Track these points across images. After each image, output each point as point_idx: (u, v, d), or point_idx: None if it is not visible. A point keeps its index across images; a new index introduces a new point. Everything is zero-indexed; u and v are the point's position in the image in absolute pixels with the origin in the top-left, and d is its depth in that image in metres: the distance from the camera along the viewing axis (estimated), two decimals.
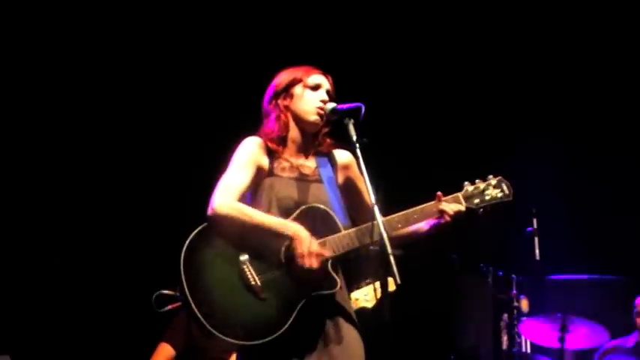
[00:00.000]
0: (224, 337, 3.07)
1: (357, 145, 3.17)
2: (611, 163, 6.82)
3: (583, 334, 5.75)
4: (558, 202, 6.58)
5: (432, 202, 3.39)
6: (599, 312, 6.05)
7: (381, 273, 2.99)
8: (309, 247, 3.13)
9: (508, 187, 3.49)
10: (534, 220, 5.85)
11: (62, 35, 6.06)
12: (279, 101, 3.44)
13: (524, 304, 5.99)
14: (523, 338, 6.09)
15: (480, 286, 6.49)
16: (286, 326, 3.11)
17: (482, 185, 3.46)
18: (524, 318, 5.91)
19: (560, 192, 6.72)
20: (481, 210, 3.46)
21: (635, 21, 6.65)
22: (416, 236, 3.46)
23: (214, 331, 3.07)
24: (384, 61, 6.61)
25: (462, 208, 3.38)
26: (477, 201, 3.44)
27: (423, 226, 3.42)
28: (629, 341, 6.08)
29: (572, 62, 6.79)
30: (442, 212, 3.35)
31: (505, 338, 5.99)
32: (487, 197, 3.45)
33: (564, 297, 6.65)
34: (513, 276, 6.06)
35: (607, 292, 6.63)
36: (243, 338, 3.10)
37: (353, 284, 4.89)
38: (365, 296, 4.62)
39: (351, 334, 3.28)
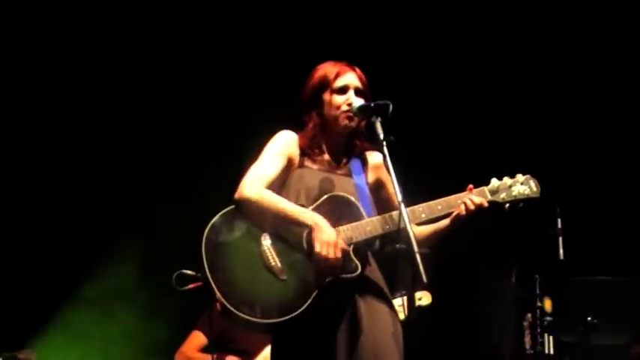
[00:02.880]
0: (241, 314, 3.14)
1: (384, 143, 3.19)
2: (637, 163, 6.79)
3: (606, 336, 5.71)
4: (584, 202, 6.56)
5: (458, 194, 3.40)
6: (623, 313, 6.00)
7: (409, 272, 2.99)
8: (328, 237, 3.16)
9: (536, 185, 3.50)
10: (559, 220, 5.83)
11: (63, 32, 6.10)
12: (311, 107, 3.50)
13: (548, 304, 5.95)
14: (546, 338, 6.06)
15: (504, 285, 6.47)
16: (304, 307, 3.15)
17: (509, 181, 3.47)
18: (547, 318, 5.88)
19: (585, 192, 6.69)
20: (507, 205, 3.46)
21: None
22: (440, 232, 3.47)
23: (232, 309, 3.13)
24: (413, 56, 6.61)
25: (485, 202, 3.38)
26: (502, 195, 3.45)
27: (446, 221, 3.43)
28: None
29: (600, 64, 6.75)
30: (464, 203, 3.35)
31: (528, 338, 5.96)
32: (514, 193, 3.45)
33: (588, 298, 6.62)
34: (537, 276, 6.03)
35: (631, 294, 6.58)
36: (259, 316, 3.16)
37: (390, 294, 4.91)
38: (399, 307, 4.64)
39: (382, 317, 3.30)
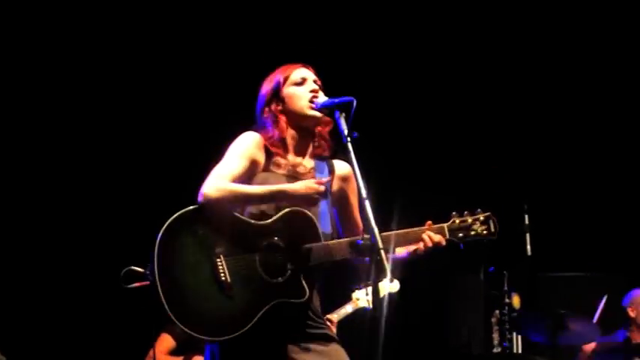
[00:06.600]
0: (183, 327, 3.07)
1: (348, 139, 3.15)
2: (604, 159, 6.85)
3: (574, 331, 5.74)
4: (550, 198, 6.60)
5: (417, 229, 3.35)
6: (591, 308, 6.05)
7: (372, 267, 2.97)
8: (307, 186, 3.20)
9: (495, 226, 3.42)
10: (526, 217, 5.86)
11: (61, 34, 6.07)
12: (272, 107, 3.42)
13: (516, 301, 5.98)
14: (514, 334, 6.09)
15: (472, 282, 6.50)
16: (246, 328, 3.10)
17: (469, 219, 3.41)
18: (515, 314, 5.91)
19: (552, 188, 6.74)
20: (462, 245, 3.42)
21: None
22: (398, 262, 3.42)
23: (175, 320, 3.07)
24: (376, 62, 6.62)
25: (443, 242, 3.34)
26: (461, 235, 3.39)
27: (403, 252, 3.39)
28: (618, 337, 6.09)
29: (569, 57, 6.80)
30: (422, 240, 3.32)
31: (496, 335, 5.98)
32: (472, 233, 3.39)
33: (556, 293, 6.66)
34: (505, 272, 6.06)
35: (598, 289, 6.64)
36: (201, 332, 3.11)
37: (354, 284, 4.90)
38: (366, 296, 4.63)
39: (324, 344, 3.28)
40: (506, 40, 6.72)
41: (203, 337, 3.14)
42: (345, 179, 3.48)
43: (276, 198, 3.24)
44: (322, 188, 3.24)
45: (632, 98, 6.89)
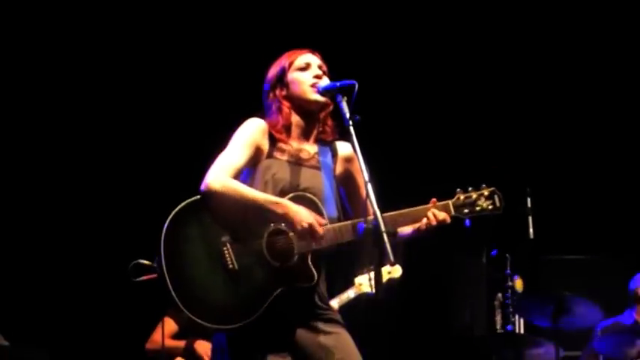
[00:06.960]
0: (192, 317, 3.09)
1: (350, 122, 3.15)
2: (607, 141, 6.84)
3: (578, 314, 5.74)
4: (553, 180, 6.60)
5: (422, 207, 3.34)
6: (594, 291, 6.04)
7: (374, 251, 2.96)
8: (305, 218, 3.14)
9: (500, 201, 3.41)
10: (528, 199, 5.84)
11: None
12: (277, 92, 3.43)
13: (519, 284, 5.97)
14: (517, 318, 6.09)
15: (474, 265, 6.50)
16: (256, 315, 3.11)
17: (474, 195, 3.39)
18: (518, 297, 5.91)
19: (554, 170, 6.74)
20: (467, 222, 3.42)
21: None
22: (401, 240, 3.43)
23: (184, 309, 3.09)
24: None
25: (448, 219, 3.33)
26: (466, 211, 3.38)
27: (408, 230, 3.39)
28: (627, 319, 6.09)
29: (569, 49, 6.78)
30: (427, 218, 3.31)
31: (499, 318, 5.98)
32: (477, 208, 3.38)
33: (559, 276, 6.67)
34: (507, 255, 6.05)
35: (601, 271, 6.65)
36: (211, 321, 3.12)
37: (357, 269, 4.90)
38: (369, 281, 4.63)
39: (332, 328, 3.29)
40: (511, 30, 6.72)
41: (213, 326, 3.14)
42: (348, 160, 3.48)
43: (274, 210, 3.20)
44: (320, 233, 3.18)
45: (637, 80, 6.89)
